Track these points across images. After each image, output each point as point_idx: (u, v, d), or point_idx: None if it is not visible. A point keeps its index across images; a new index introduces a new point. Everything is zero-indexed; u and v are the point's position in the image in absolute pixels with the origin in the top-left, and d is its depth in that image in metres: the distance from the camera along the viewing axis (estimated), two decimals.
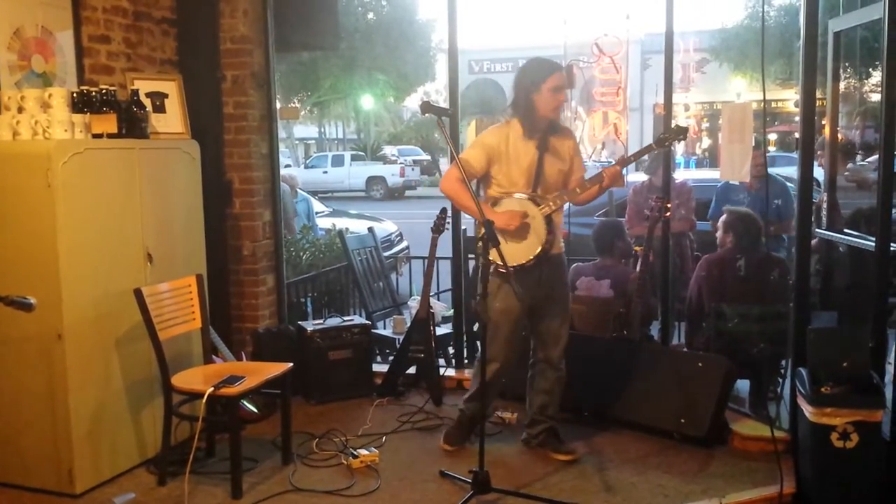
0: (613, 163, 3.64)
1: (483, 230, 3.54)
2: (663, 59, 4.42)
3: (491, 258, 3.51)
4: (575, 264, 5.11)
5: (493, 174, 3.64)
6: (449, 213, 4.77)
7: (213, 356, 4.10)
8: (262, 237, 4.84)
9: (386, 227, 9.88)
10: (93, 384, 3.52)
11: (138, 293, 3.50)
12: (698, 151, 29.53)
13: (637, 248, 4.91)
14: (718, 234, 4.82)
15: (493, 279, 3.55)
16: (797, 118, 3.77)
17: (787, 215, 5.22)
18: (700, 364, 4.03)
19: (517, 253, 3.53)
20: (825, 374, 3.33)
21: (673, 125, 3.74)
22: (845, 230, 4.23)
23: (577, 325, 4.84)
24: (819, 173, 4.18)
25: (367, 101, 25.11)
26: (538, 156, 3.59)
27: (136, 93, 3.81)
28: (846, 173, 5.02)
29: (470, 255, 5.21)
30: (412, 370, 4.78)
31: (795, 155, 3.93)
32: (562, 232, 3.91)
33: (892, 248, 3.39)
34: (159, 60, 4.53)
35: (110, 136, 3.60)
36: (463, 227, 5.01)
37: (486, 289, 3.33)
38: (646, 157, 4.28)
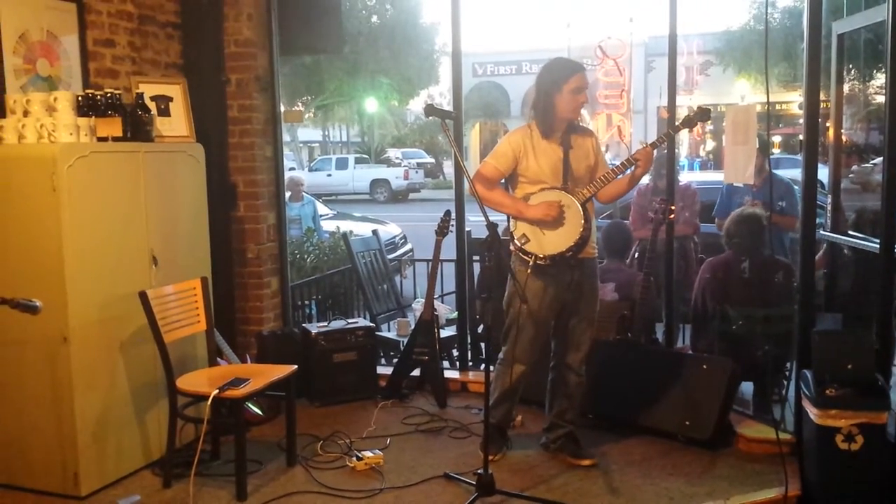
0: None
1: (515, 227, 3.55)
2: (667, 62, 4.42)
3: (529, 249, 3.50)
4: None
5: (520, 172, 3.60)
6: (453, 215, 4.77)
7: (218, 358, 4.11)
8: (266, 240, 4.86)
9: (390, 230, 9.89)
10: (98, 387, 3.53)
11: (143, 296, 3.51)
12: (702, 154, 29.52)
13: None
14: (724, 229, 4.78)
15: (528, 276, 3.51)
16: (801, 120, 3.76)
17: (792, 216, 5.21)
18: (705, 366, 4.02)
19: (555, 243, 3.48)
20: (830, 376, 3.32)
21: (695, 108, 3.67)
22: (850, 232, 4.22)
23: None
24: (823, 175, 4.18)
25: (371, 105, 25.18)
26: (563, 152, 3.57)
27: (140, 96, 3.82)
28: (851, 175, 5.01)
29: (475, 258, 5.21)
30: (416, 372, 4.78)
31: (799, 157, 3.93)
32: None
33: None
34: (164, 64, 4.54)
35: (115, 139, 3.61)
36: (467, 230, 5.01)
37: (519, 287, 3.30)
38: None
